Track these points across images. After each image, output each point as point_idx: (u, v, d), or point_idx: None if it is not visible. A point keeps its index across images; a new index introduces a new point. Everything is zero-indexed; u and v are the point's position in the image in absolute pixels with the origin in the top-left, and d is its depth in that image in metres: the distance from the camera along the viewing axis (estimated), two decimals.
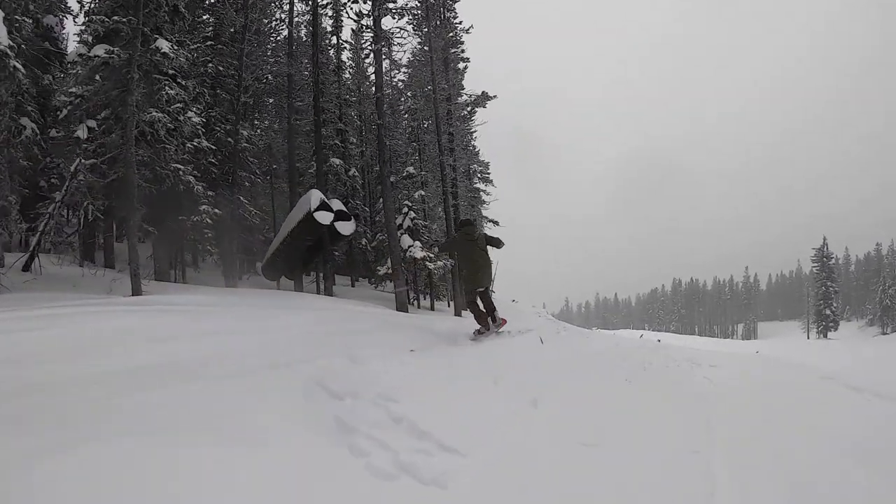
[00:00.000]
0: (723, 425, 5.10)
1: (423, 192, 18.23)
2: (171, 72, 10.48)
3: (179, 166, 10.21)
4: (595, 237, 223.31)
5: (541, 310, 34.79)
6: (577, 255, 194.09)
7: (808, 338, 71.34)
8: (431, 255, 16.25)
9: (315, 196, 14.16)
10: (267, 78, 18.11)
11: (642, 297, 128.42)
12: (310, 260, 15.84)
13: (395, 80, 22.14)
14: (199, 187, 10.88)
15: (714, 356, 12.13)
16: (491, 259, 7.69)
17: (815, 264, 64.84)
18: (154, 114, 9.60)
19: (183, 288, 11.36)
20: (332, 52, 21.73)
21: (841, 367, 16.43)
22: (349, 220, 15.16)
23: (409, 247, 16.22)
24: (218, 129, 15.09)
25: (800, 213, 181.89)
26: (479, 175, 38.21)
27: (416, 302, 17.77)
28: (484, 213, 42.02)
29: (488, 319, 7.63)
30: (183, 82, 10.65)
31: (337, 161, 20.00)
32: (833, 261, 67.35)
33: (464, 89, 23.22)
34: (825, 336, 61.94)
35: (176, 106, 10.64)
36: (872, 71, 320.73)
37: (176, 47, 10.32)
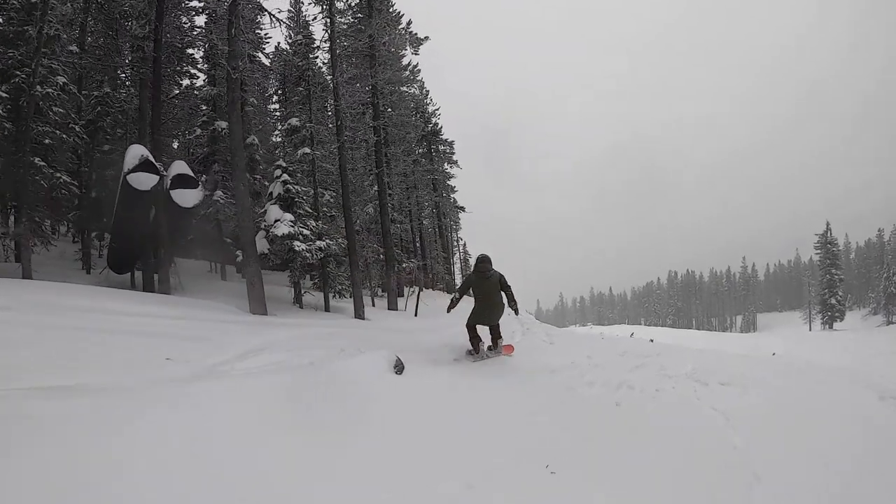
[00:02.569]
0: None
1: (307, 151, 13.68)
2: None
3: None
4: (588, 231, 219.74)
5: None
6: (571, 249, 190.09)
7: (810, 329, 67.52)
8: (305, 233, 11.85)
9: (132, 153, 10.17)
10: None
11: (637, 290, 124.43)
12: (156, 243, 11.50)
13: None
14: None
15: (724, 364, 8.33)
16: (503, 301, 7.02)
17: (819, 251, 60.63)
18: None
19: None
20: None
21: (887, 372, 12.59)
22: (195, 187, 10.98)
23: (276, 221, 11.81)
24: (18, 74, 10.74)
25: (796, 200, 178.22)
26: (444, 154, 33.99)
27: (298, 300, 13.19)
28: (454, 196, 38.08)
29: (479, 344, 7.13)
30: None
31: (224, 124, 15.56)
32: (840, 247, 63.33)
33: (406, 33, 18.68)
34: (830, 327, 57.84)
35: None
36: (859, 63, 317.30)
37: None
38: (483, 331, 7.17)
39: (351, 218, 13.53)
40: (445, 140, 33.30)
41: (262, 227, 12.24)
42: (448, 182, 35.31)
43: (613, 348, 9.25)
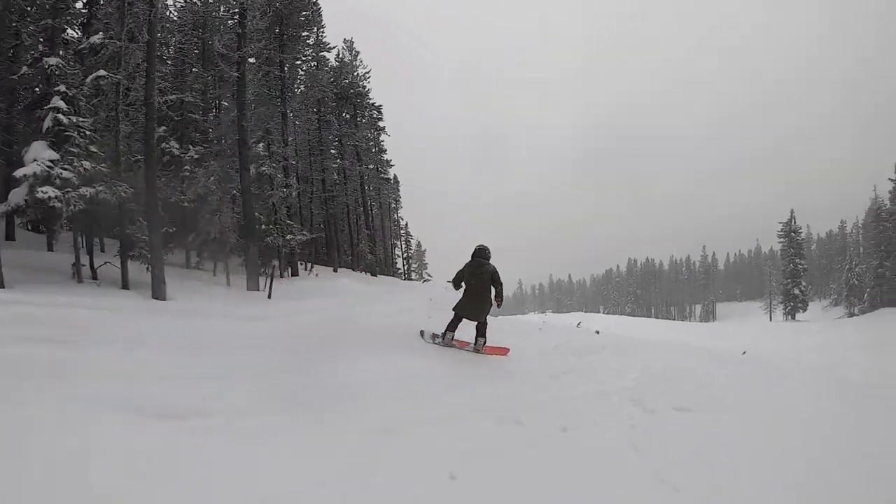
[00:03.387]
0: None
1: (103, 73, 9.46)
2: None
3: None
4: (546, 219, 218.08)
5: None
6: (529, 236, 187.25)
7: (771, 319, 66.23)
8: (66, 176, 7.53)
9: None
10: None
11: (597, 278, 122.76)
12: None
13: None
14: None
15: (683, 367, 6.19)
16: (491, 296, 6.81)
17: (782, 240, 58.68)
18: None
19: None
20: None
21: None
22: None
23: (34, 161, 7.36)
24: None
25: (755, 192, 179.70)
26: (371, 120, 29.69)
27: (78, 271, 8.68)
28: (392, 171, 33.80)
29: (449, 335, 6.84)
30: None
31: (54, 61, 11.07)
32: (802, 236, 61.68)
33: None
34: (793, 318, 56.10)
35: None
36: (831, 47, 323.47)
37: None
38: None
39: (153, 161, 9.11)
40: (372, 104, 28.89)
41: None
42: (382, 156, 30.91)
43: (545, 342, 7.78)
